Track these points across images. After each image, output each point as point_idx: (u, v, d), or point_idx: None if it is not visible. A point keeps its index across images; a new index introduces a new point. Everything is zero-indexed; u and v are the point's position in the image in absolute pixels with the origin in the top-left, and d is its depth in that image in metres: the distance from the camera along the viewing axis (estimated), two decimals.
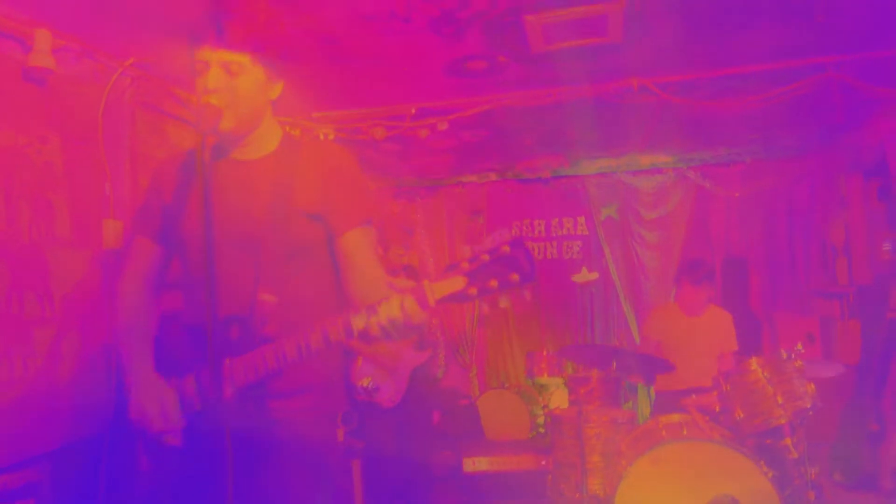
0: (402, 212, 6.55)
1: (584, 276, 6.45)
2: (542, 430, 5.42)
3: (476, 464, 4.59)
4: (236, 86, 1.55)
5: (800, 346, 3.04)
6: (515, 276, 1.22)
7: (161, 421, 1.50)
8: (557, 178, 6.37)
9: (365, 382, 3.14)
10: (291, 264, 1.59)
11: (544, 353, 5.68)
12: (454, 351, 6.40)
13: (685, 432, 3.01)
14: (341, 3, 2.63)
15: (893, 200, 4.51)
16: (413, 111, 3.96)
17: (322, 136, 4.07)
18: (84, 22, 2.64)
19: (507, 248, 1.24)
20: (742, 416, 2.94)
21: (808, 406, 2.88)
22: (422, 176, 6.26)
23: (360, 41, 3.00)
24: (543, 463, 4.45)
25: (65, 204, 2.68)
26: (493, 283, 1.23)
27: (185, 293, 1.70)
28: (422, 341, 3.66)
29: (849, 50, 3.33)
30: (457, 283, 1.24)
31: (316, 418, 1.62)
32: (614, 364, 3.49)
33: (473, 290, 1.24)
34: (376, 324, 1.31)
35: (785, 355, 3.00)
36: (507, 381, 6.26)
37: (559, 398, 5.37)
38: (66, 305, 2.65)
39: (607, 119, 4.29)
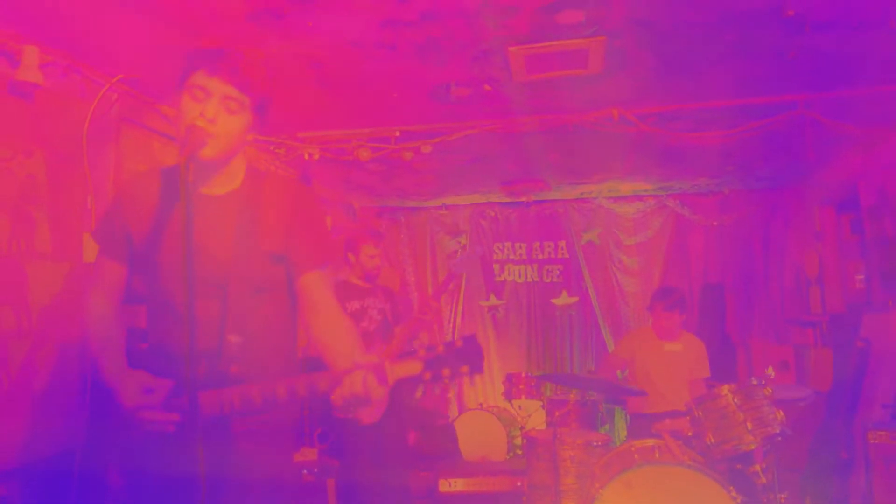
0: (367, 218, 6.61)
1: (563, 299, 6.51)
2: (519, 452, 5.42)
3: (452, 485, 4.58)
4: (229, 122, 1.56)
5: (770, 371, 3.11)
6: (465, 368, 1.40)
7: (153, 401, 1.49)
8: (539, 203, 6.46)
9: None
10: (255, 302, 1.64)
11: (523, 375, 5.71)
12: None
13: (657, 456, 3.05)
14: (329, 29, 2.69)
15: (865, 234, 4.64)
16: (398, 133, 4.02)
17: (307, 156, 4.10)
18: (73, 38, 2.66)
19: (460, 343, 1.41)
20: (713, 440, 2.99)
21: (777, 432, 2.95)
22: (405, 197, 6.31)
23: (347, 66, 3.06)
24: (519, 484, 4.45)
25: (46, 217, 2.68)
26: (446, 372, 1.40)
27: (149, 316, 1.70)
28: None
29: (819, 88, 3.45)
30: (414, 368, 1.40)
31: (273, 431, 1.65)
32: (591, 391, 3.55)
33: (428, 376, 1.41)
34: (339, 395, 1.43)
35: (755, 382, 3.08)
36: (485, 402, 6.28)
37: (537, 420, 5.39)
38: (44, 319, 2.64)
39: (588, 146, 4.38)
